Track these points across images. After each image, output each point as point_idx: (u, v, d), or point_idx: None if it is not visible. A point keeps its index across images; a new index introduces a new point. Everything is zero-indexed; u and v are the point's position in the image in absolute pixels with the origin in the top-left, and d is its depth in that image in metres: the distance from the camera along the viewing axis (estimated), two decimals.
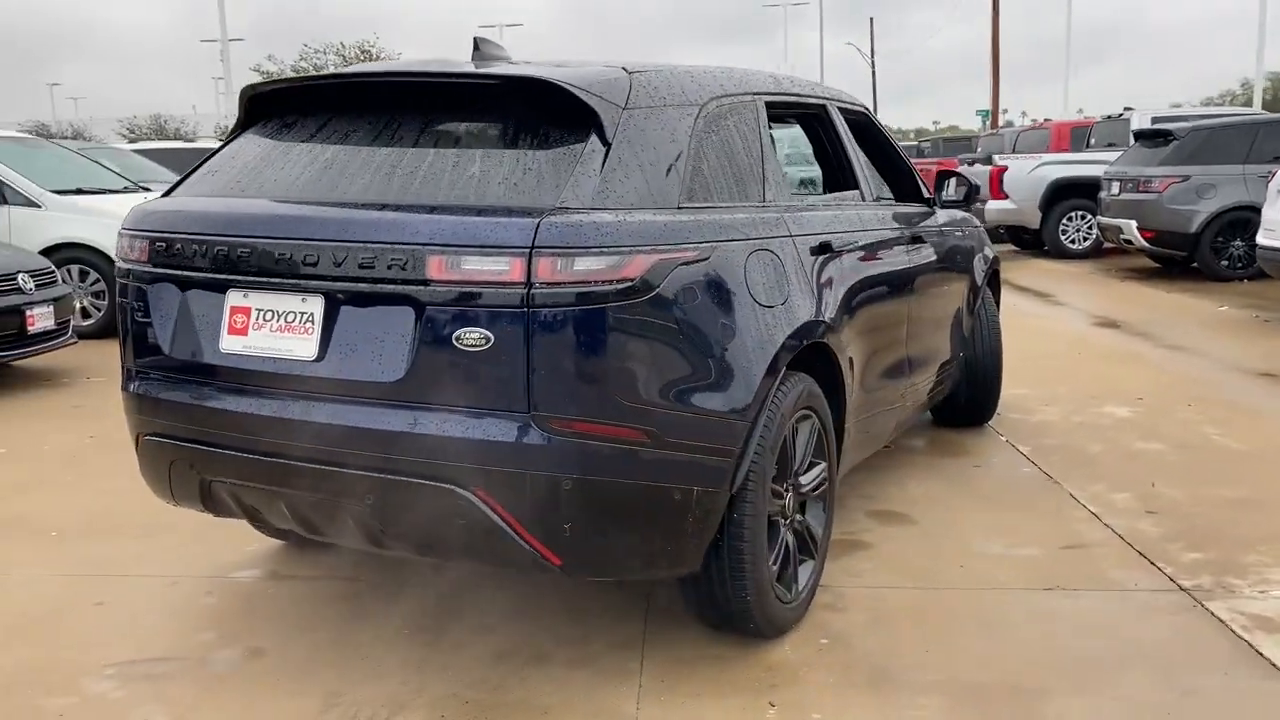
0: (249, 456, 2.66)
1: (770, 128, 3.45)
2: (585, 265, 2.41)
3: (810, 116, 3.94)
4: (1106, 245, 13.55)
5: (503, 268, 2.37)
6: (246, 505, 2.80)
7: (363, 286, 2.48)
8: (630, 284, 2.46)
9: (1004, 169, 14.20)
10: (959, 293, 4.81)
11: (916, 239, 4.14)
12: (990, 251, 5.34)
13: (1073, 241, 14.21)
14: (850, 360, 3.43)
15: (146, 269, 2.83)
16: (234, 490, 2.77)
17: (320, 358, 2.55)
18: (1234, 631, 3.14)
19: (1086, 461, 4.89)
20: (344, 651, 3.06)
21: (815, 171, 4.55)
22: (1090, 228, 13.94)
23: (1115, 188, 12.12)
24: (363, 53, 35.69)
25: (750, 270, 2.86)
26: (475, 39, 3.13)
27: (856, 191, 3.90)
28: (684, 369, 2.61)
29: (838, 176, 3.97)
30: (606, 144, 2.62)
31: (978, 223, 5.32)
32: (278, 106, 3.02)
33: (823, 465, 3.30)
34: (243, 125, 3.10)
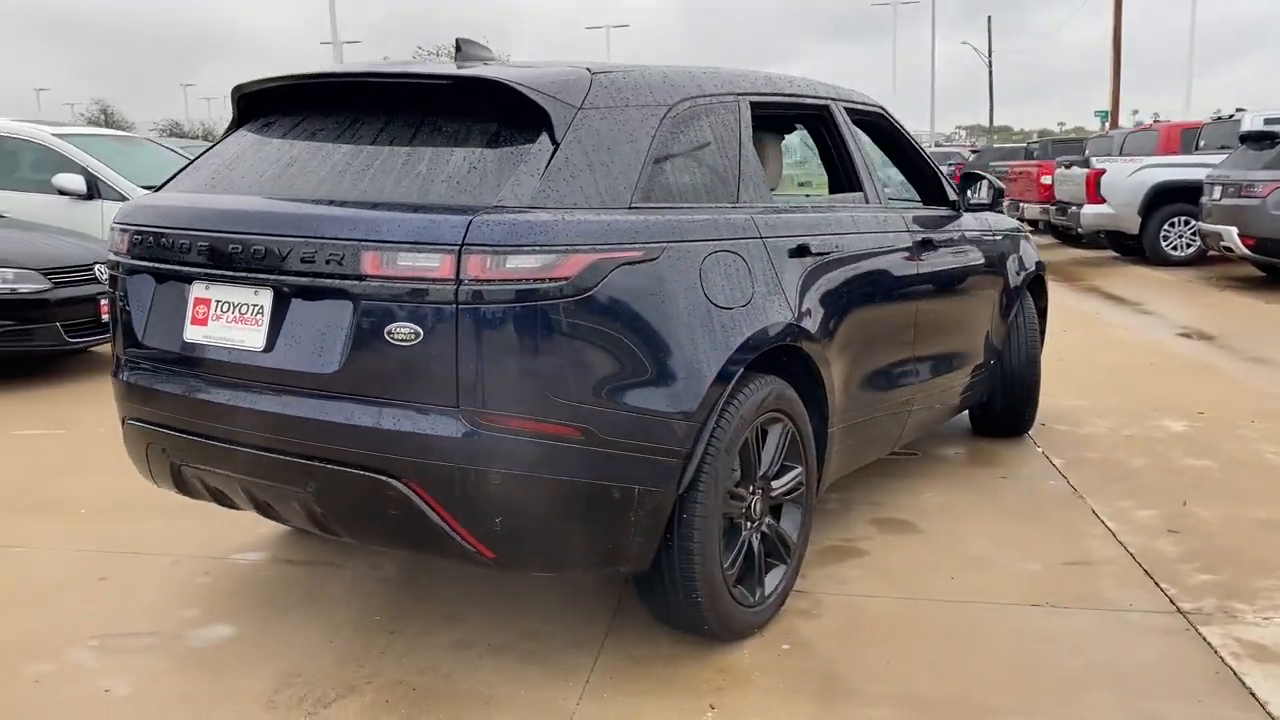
0: (209, 442, 2.78)
1: (757, 128, 3.43)
2: (518, 263, 2.44)
3: (811, 117, 3.89)
4: (1211, 253, 12.96)
5: (433, 264, 2.41)
6: (211, 488, 2.91)
7: (305, 280, 2.56)
8: (565, 283, 2.48)
9: (1101, 172, 13.70)
10: (988, 297, 4.68)
11: (928, 242, 4.05)
12: (1032, 257, 5.18)
13: (1174, 248, 13.63)
14: (834, 364, 3.38)
15: (128, 261, 2.98)
16: (199, 474, 2.89)
17: (268, 349, 2.64)
18: (1222, 658, 2.99)
19: (1122, 476, 4.70)
20: (315, 634, 3.16)
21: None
22: (1193, 234, 13.35)
23: (1217, 192, 11.58)
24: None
25: (707, 271, 2.84)
26: (457, 40, 3.18)
27: (860, 193, 3.83)
28: (623, 368, 2.61)
29: (840, 178, 3.91)
30: (555, 143, 2.64)
31: (1015, 226, 5.17)
32: (262, 106, 3.13)
33: (799, 470, 3.26)
34: (236, 124, 3.22)
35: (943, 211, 4.44)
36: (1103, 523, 4.10)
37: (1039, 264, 5.30)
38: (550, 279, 2.47)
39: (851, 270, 3.51)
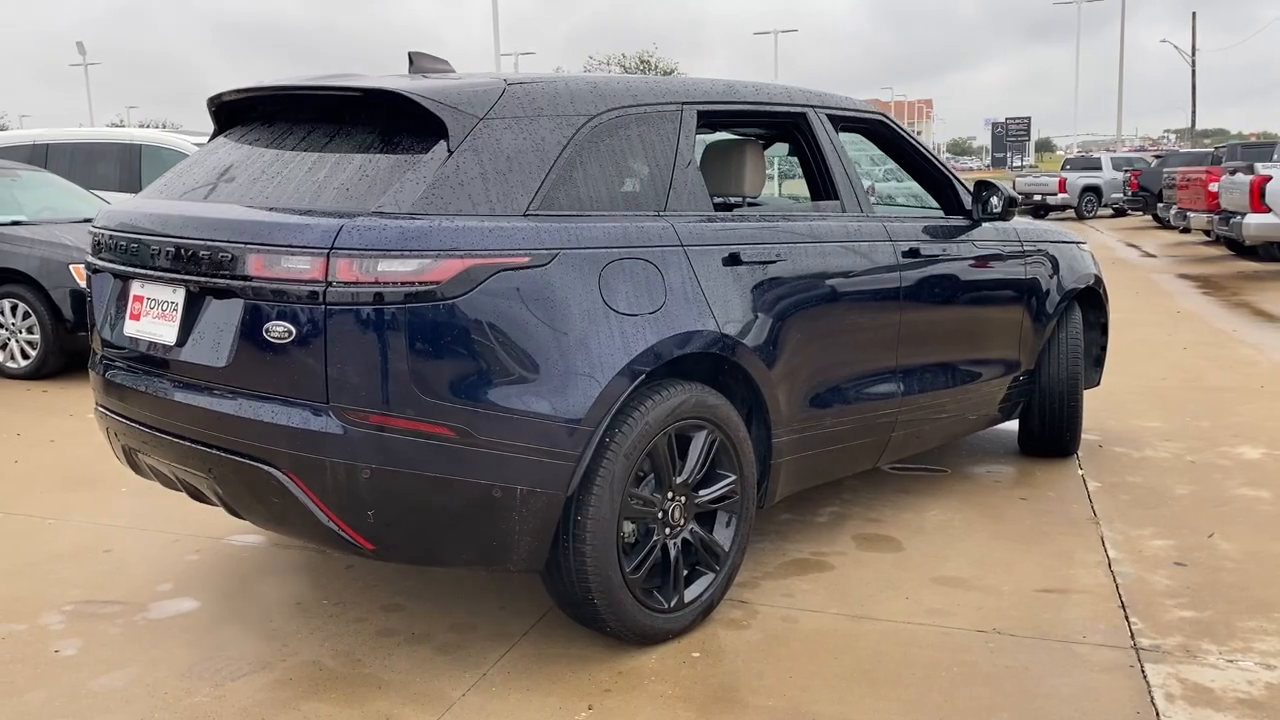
0: (144, 429, 3.00)
1: (728, 136, 3.43)
2: (388, 267, 2.55)
3: (784, 124, 3.84)
4: None
5: (305, 267, 2.55)
6: (154, 471, 3.14)
7: (207, 280, 2.74)
8: (436, 287, 2.57)
9: (1266, 179, 12.73)
10: (1009, 310, 4.49)
11: (915, 253, 3.92)
12: (1080, 270, 4.92)
13: None
14: (778, 375, 3.34)
15: (93, 261, 3.25)
16: (142, 458, 3.13)
17: (179, 343, 2.84)
18: (1152, 698, 2.81)
19: (1156, 504, 4.42)
20: (262, 613, 3.36)
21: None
22: None
23: None
24: (642, 63, 36.92)
25: (609, 278, 2.87)
26: (410, 54, 3.33)
27: (836, 202, 3.76)
28: (502, 370, 2.67)
29: (818, 186, 3.84)
30: (450, 152, 2.74)
31: (1055, 237, 4.92)
32: (224, 117, 3.36)
33: (732, 479, 3.24)
34: (212, 134, 3.46)
35: (953, 221, 4.29)
36: (1105, 551, 3.88)
37: (1094, 278, 5.04)
38: (420, 283, 2.56)
39: (803, 280, 3.45)
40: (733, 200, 3.89)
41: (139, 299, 3.01)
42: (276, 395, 2.64)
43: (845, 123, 4.00)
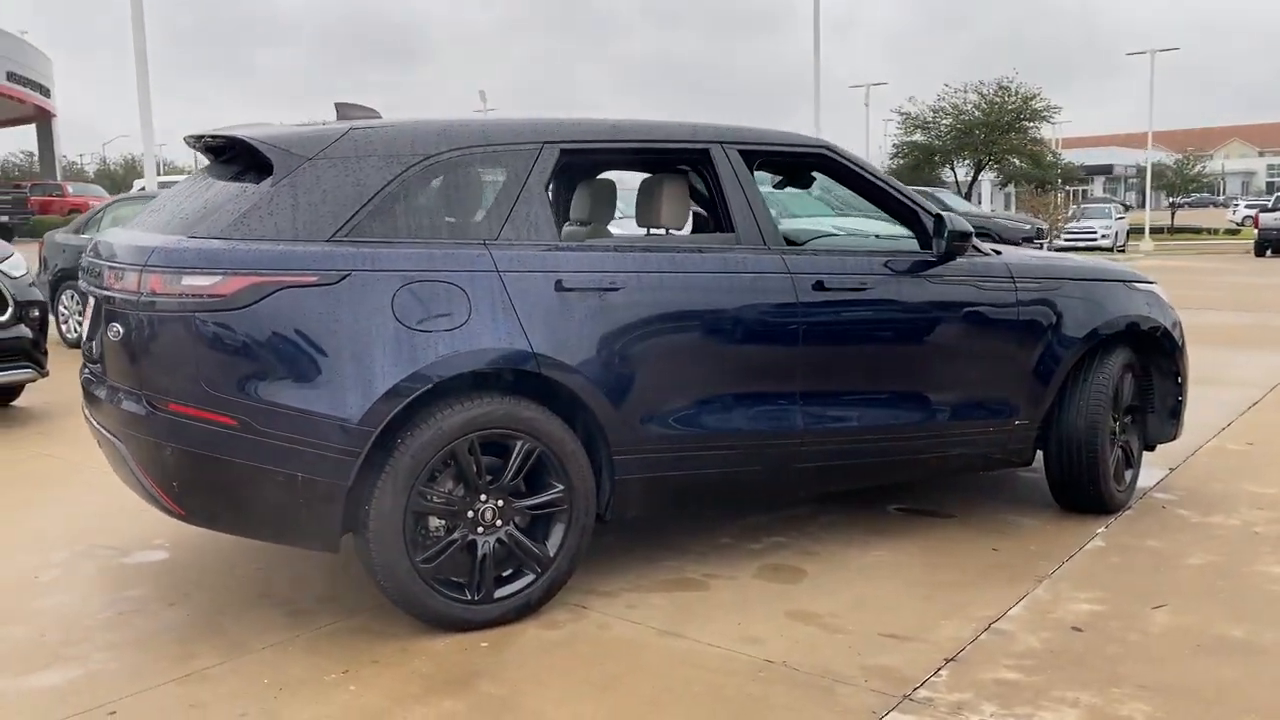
0: (88, 410, 3.76)
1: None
2: (191, 281, 3.12)
3: (684, 160, 3.97)
4: None
5: (130, 281, 3.18)
6: None
7: (95, 292, 3.45)
8: (224, 299, 3.11)
9: None
10: (984, 348, 4.29)
11: (821, 285, 3.90)
12: (1112, 313, 4.54)
13: None
14: (614, 396, 3.52)
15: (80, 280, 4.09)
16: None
17: (89, 338, 3.58)
18: None
19: (1150, 571, 4.01)
20: (205, 570, 4.05)
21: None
22: None
23: None
24: (1000, 88, 35.37)
25: (401, 297, 3.25)
26: (336, 104, 3.89)
27: (733, 234, 3.86)
28: (282, 371, 3.14)
29: (719, 219, 3.95)
30: (272, 187, 3.27)
31: (1088, 275, 4.58)
32: (206, 155, 4.06)
33: (559, 489, 3.48)
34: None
35: (912, 256, 4.18)
36: (1010, 608, 3.65)
37: (1140, 322, 4.62)
38: (211, 295, 3.11)
39: (646, 309, 3.60)
40: (654, 231, 4.11)
41: (86, 305, 3.81)
42: (118, 384, 3.30)
43: (772, 157, 4.07)
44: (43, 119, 40.78)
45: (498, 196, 3.53)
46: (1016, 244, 19.43)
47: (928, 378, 4.21)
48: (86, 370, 3.71)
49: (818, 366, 3.95)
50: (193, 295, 3.12)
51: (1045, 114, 35.71)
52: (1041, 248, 20.63)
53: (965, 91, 36.01)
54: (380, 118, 3.87)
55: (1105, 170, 74.36)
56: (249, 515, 3.28)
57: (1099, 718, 2.90)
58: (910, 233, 4.35)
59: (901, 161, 37.36)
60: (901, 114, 37.12)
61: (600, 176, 4.72)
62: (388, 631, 3.45)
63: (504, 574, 3.49)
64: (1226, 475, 5.38)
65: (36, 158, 46.73)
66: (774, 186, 4.88)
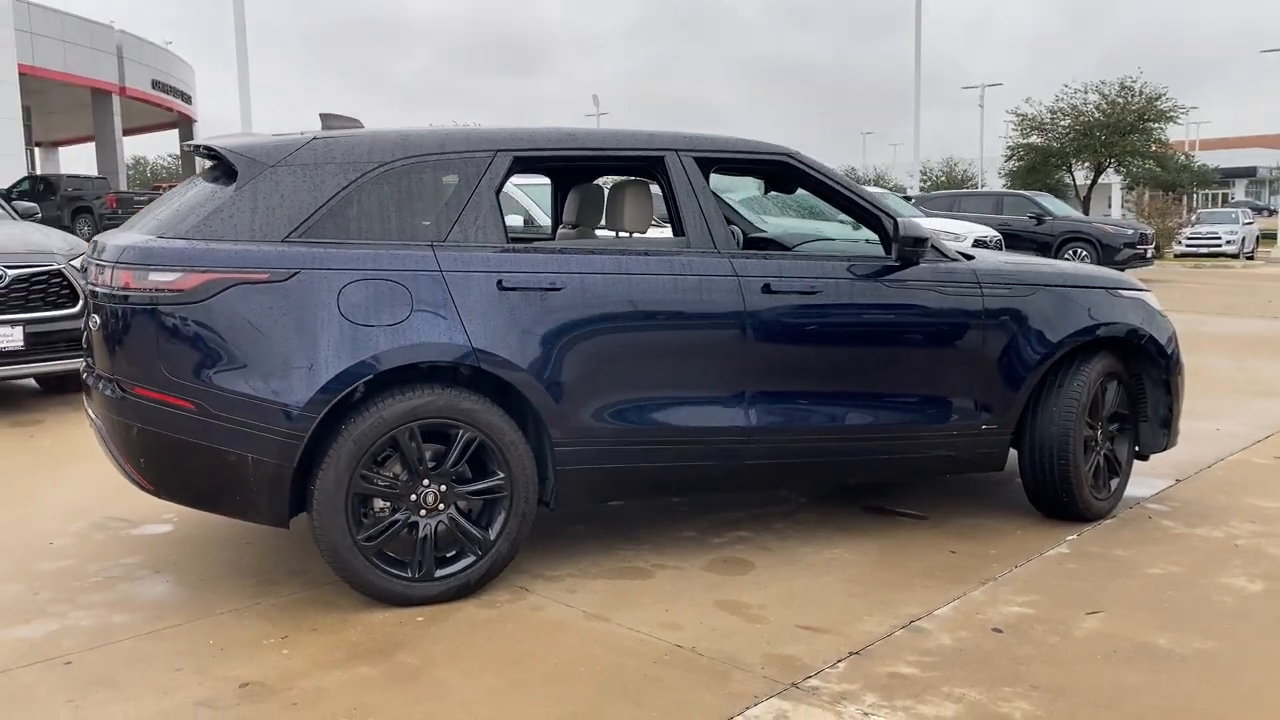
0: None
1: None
2: (156, 278, 3.44)
3: (639, 167, 4.13)
4: None
5: (106, 276, 3.53)
6: None
7: (87, 286, 3.82)
8: (181, 294, 3.42)
9: None
10: (940, 352, 4.34)
11: (767, 288, 4.02)
12: (1094, 319, 4.53)
13: None
14: (553, 390, 3.71)
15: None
16: None
17: (87, 329, 3.96)
18: None
19: (1103, 579, 4.00)
20: (192, 547, 4.40)
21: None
22: None
23: None
24: (1123, 88, 34.11)
25: (349, 294, 3.51)
26: (320, 114, 4.19)
27: (684, 238, 4.01)
28: (233, 359, 3.42)
29: (674, 223, 4.10)
30: (235, 192, 3.58)
31: (1066, 281, 4.59)
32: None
33: (500, 476, 3.70)
34: None
35: (868, 261, 4.26)
36: (937, 608, 3.71)
37: (1108, 329, 4.59)
38: (171, 290, 3.43)
39: (588, 308, 3.78)
40: (621, 234, 4.29)
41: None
42: (101, 371, 3.65)
43: (729, 164, 4.20)
44: (185, 124, 43.13)
45: (448, 201, 3.77)
46: (1117, 250, 18.86)
47: (882, 380, 4.28)
48: (84, 361, 4.10)
49: (767, 367, 4.06)
50: (157, 290, 3.44)
51: (1171, 114, 34.24)
52: (1145, 253, 19.93)
53: (1085, 92, 34.83)
54: (362, 128, 4.15)
55: (1249, 173, 70.86)
56: (206, 491, 3.59)
57: (978, 713, 2.96)
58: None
59: (1018, 164, 36.38)
60: (1017, 115, 36.10)
61: (590, 183, 4.93)
62: (336, 603, 3.71)
63: (448, 555, 3.72)
64: (1236, 488, 5.26)
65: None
66: (761, 193, 5.00)
